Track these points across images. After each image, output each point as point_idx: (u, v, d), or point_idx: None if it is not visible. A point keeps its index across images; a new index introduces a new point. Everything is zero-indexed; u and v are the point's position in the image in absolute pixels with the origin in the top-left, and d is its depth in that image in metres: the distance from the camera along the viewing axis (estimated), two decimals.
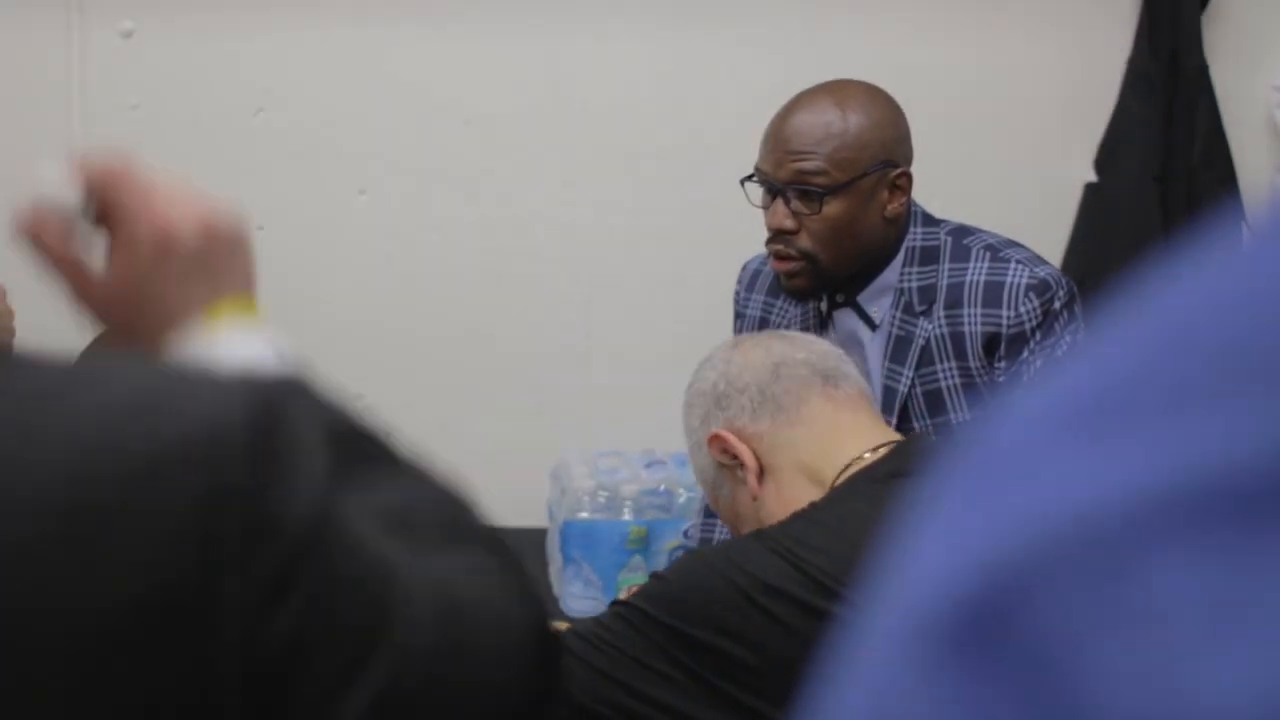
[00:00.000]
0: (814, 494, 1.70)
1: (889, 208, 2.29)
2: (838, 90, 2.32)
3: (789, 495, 1.71)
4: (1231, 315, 0.39)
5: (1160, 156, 3.26)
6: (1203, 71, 3.25)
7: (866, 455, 1.73)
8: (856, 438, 1.75)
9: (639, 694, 1.55)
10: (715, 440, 1.78)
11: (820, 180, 2.24)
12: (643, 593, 1.63)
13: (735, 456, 1.76)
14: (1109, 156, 3.30)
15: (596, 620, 1.65)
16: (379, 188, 3.26)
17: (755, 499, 1.76)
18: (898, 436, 1.82)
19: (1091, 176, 3.31)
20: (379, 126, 3.24)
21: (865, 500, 1.65)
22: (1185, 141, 3.25)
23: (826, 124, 2.26)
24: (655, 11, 3.24)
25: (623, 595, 2.35)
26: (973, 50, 3.28)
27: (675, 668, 1.54)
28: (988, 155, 3.29)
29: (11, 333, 1.92)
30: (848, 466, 1.71)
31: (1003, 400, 0.41)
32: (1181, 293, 0.42)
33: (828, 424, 1.76)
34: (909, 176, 2.32)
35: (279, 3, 3.19)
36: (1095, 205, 3.30)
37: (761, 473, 1.76)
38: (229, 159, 3.21)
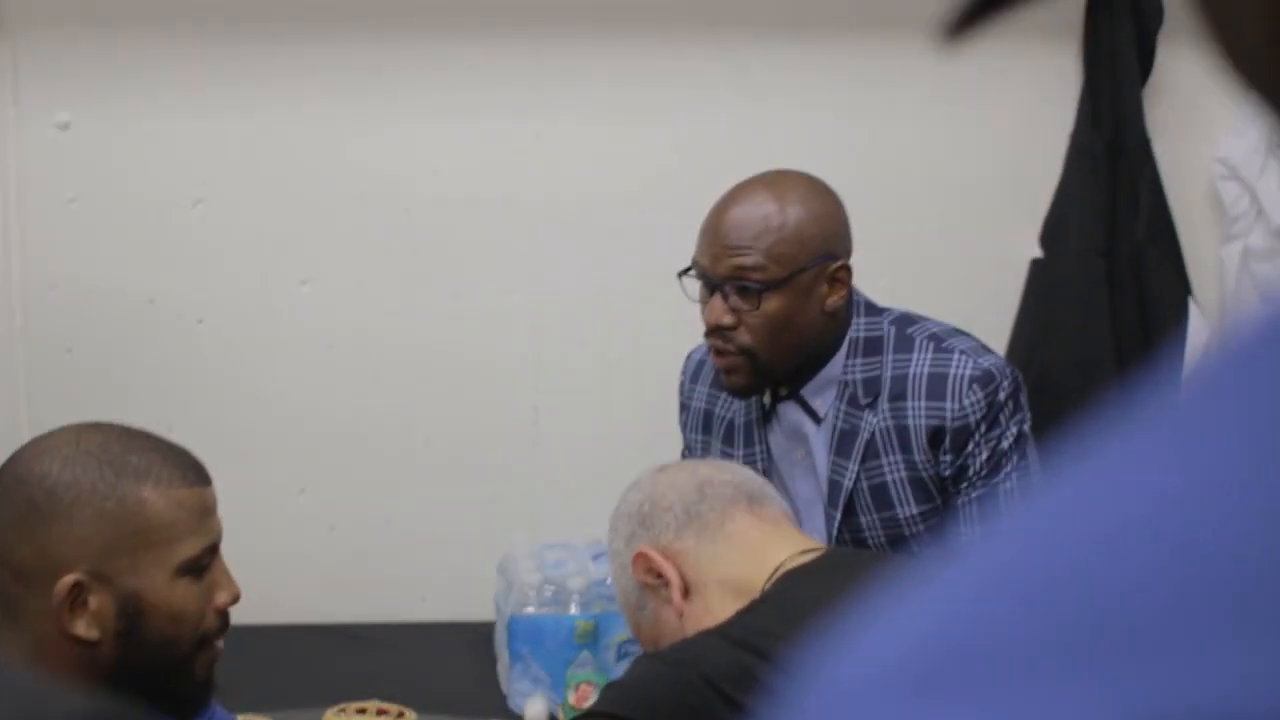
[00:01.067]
0: (741, 605, 1.67)
1: (828, 301, 2.26)
2: (776, 182, 2.29)
3: (715, 609, 1.69)
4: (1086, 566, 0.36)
5: (1105, 231, 3.24)
6: (1145, 146, 3.24)
7: (795, 559, 1.71)
8: (782, 546, 1.74)
9: None
10: (639, 559, 1.77)
11: (759, 276, 2.21)
12: (605, 700, 1.59)
13: (660, 575, 1.74)
14: (1054, 232, 3.29)
15: None
16: (321, 278, 3.21)
17: (680, 616, 1.73)
18: (823, 547, 1.81)
19: (1037, 252, 3.29)
20: (320, 216, 3.20)
21: (806, 589, 1.63)
22: (1130, 216, 3.24)
23: (764, 217, 2.23)
24: (600, 99, 3.21)
25: (571, 698, 2.31)
26: (915, 128, 3.27)
27: None
28: (932, 232, 3.27)
29: None
30: (776, 569, 1.69)
31: (839, 644, 0.39)
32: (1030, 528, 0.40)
33: (753, 538, 1.75)
34: (848, 269, 2.29)
35: (216, 91, 3.15)
36: (1041, 281, 3.28)
37: (687, 591, 1.74)
38: (168, 251, 3.17)
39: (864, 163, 3.05)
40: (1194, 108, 3.26)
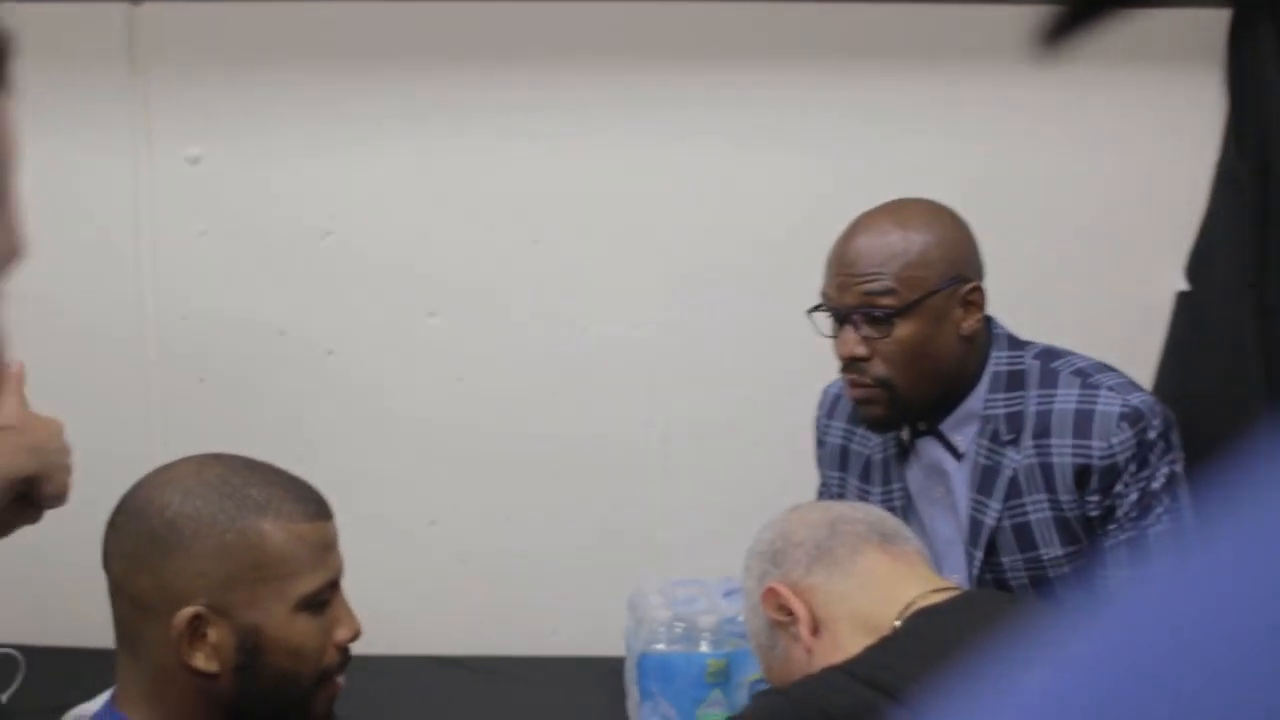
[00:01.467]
0: (870, 642, 1.63)
1: (964, 325, 2.20)
2: (898, 209, 2.24)
3: (845, 645, 1.65)
4: None
5: (1255, 261, 3.13)
6: None
7: (927, 598, 1.65)
8: (913, 584, 1.69)
9: None
10: (769, 595, 1.74)
11: (888, 301, 2.16)
12: None
13: (790, 612, 1.72)
14: (1200, 264, 3.17)
15: None
16: (449, 310, 3.20)
17: (809, 652, 1.70)
18: (957, 587, 1.75)
19: (1183, 285, 3.19)
20: (448, 247, 3.19)
21: (937, 628, 1.59)
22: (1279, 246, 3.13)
23: (889, 244, 2.18)
24: (742, 127, 3.16)
25: None
26: (1050, 159, 3.18)
27: None
28: (1072, 267, 3.18)
29: None
30: (907, 606, 1.64)
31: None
32: None
33: (883, 574, 1.71)
34: (981, 291, 2.23)
35: (344, 125, 3.15)
36: (1188, 315, 3.17)
37: (816, 628, 1.71)
38: (297, 283, 3.18)
39: (997, 196, 2.97)
40: None
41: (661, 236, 3.18)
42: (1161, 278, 3.19)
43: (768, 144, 3.17)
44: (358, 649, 1.63)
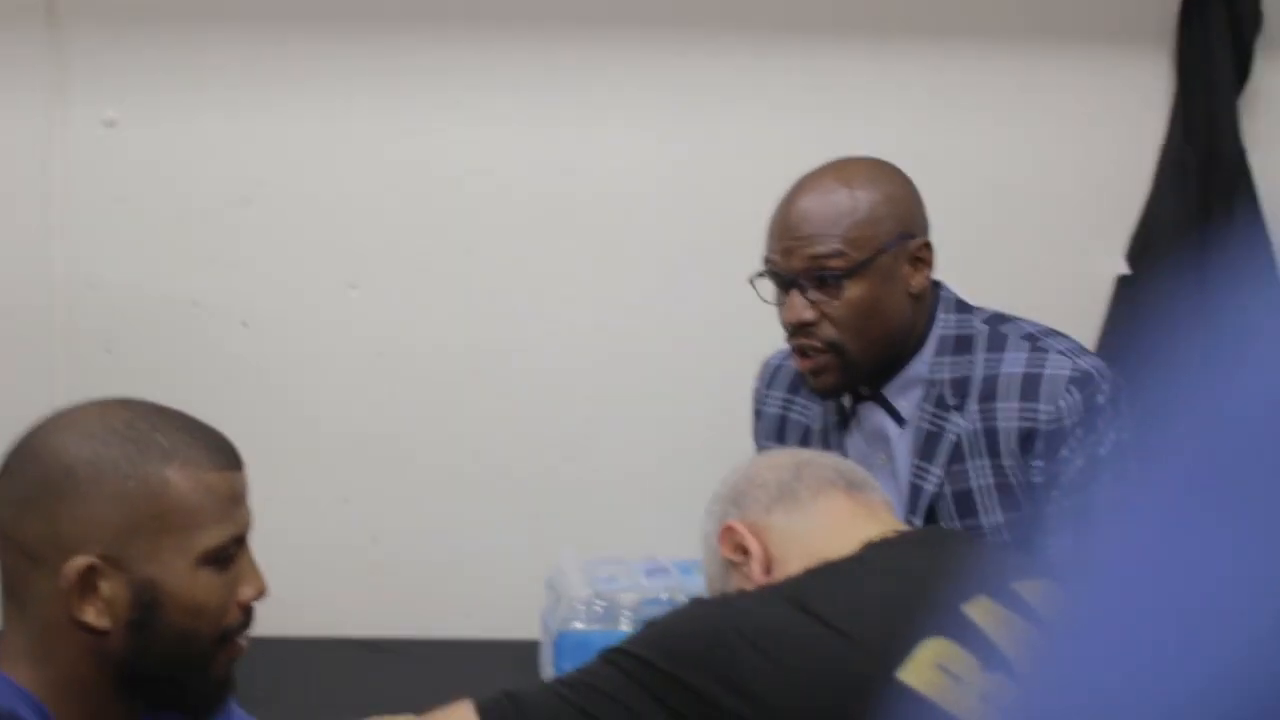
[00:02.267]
0: None
1: (913, 283, 2.12)
2: (841, 168, 2.16)
3: None
4: None
5: (1196, 247, 3.07)
6: (1240, 158, 3.08)
7: (884, 535, 1.57)
8: (873, 526, 1.62)
9: None
10: (726, 533, 1.69)
11: (837, 263, 2.07)
12: (635, 639, 1.47)
13: (745, 551, 1.67)
14: (1142, 248, 3.12)
15: (584, 670, 1.48)
16: (370, 282, 3.10)
17: None
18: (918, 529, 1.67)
19: (1124, 269, 3.12)
20: (370, 218, 3.08)
21: (882, 559, 1.53)
22: (1223, 231, 3.07)
23: (835, 203, 2.09)
24: (657, 102, 3.09)
25: None
26: (998, 139, 3.13)
27: (670, 718, 1.37)
28: (1015, 247, 3.12)
29: None
30: (864, 546, 1.57)
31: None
32: None
33: (844, 516, 1.65)
34: (929, 247, 2.15)
35: (267, 90, 3.05)
36: (1128, 299, 3.11)
37: (770, 567, 1.65)
38: (215, 251, 3.07)
39: (938, 175, 2.87)
40: None
41: (588, 208, 3.10)
42: (1102, 261, 3.13)
43: (694, 119, 3.09)
44: (261, 629, 1.52)
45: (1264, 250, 3.09)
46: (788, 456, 1.76)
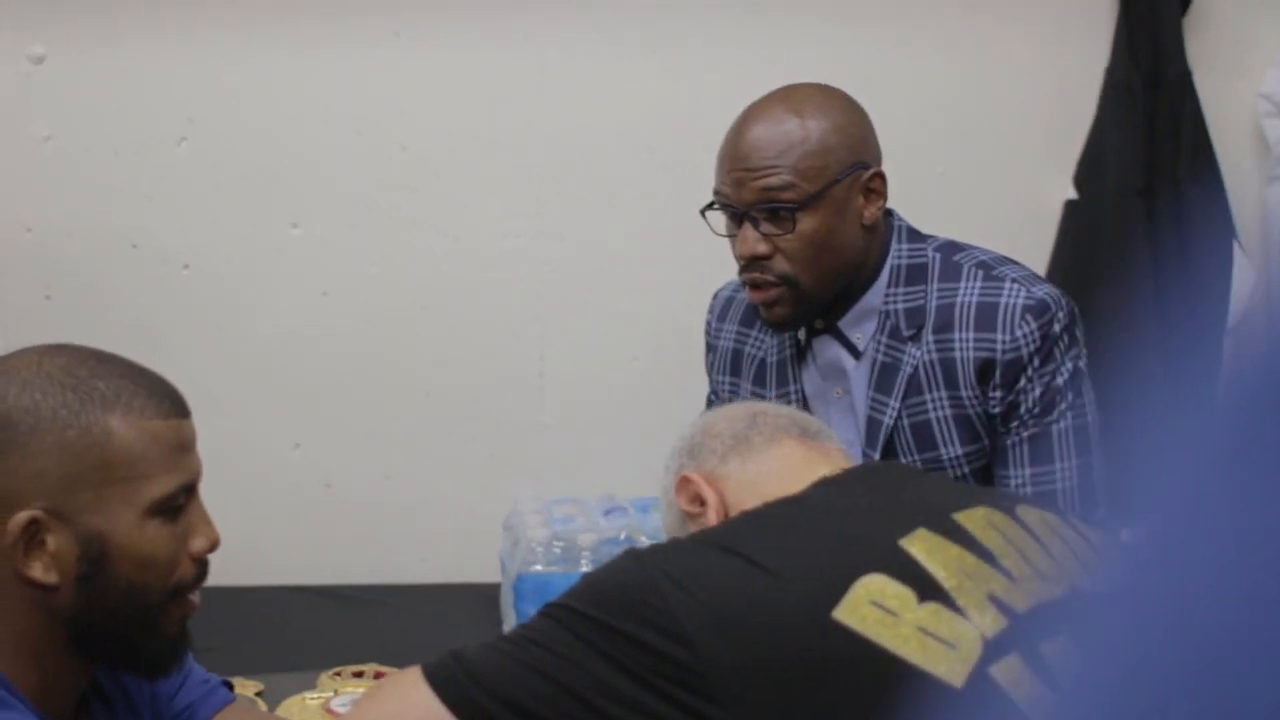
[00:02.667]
0: None
1: (866, 213, 2.09)
2: (791, 96, 2.11)
3: None
4: None
5: (1143, 170, 3.07)
6: (1185, 79, 3.07)
7: (831, 475, 1.58)
8: (824, 468, 1.61)
9: (579, 698, 1.37)
10: (683, 484, 1.67)
11: (789, 195, 2.04)
12: (570, 592, 1.46)
13: (702, 501, 1.65)
14: (1089, 171, 3.11)
15: (524, 626, 1.46)
16: (313, 221, 3.04)
17: None
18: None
19: (1071, 193, 3.12)
20: (312, 155, 3.03)
21: (825, 497, 1.52)
22: (1169, 153, 3.07)
23: (786, 133, 2.05)
24: (597, 28, 3.04)
25: None
26: (942, 62, 3.10)
27: (611, 667, 1.36)
28: (960, 173, 3.10)
29: None
30: (811, 485, 1.55)
31: None
32: None
33: (798, 461, 1.64)
34: (882, 177, 2.12)
35: (202, 25, 2.98)
36: (1076, 223, 3.11)
37: (728, 515, 1.63)
38: (151, 192, 3.01)
39: (881, 99, 2.85)
40: (1238, 40, 3.10)
41: (536, 142, 3.05)
42: (1050, 186, 3.12)
43: (640, 44, 3.05)
44: (215, 579, 1.48)
45: (1209, 172, 3.10)
46: (743, 408, 1.74)
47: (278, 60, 3.00)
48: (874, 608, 1.31)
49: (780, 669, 1.29)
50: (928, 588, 1.33)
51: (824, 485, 1.53)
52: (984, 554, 1.38)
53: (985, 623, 1.31)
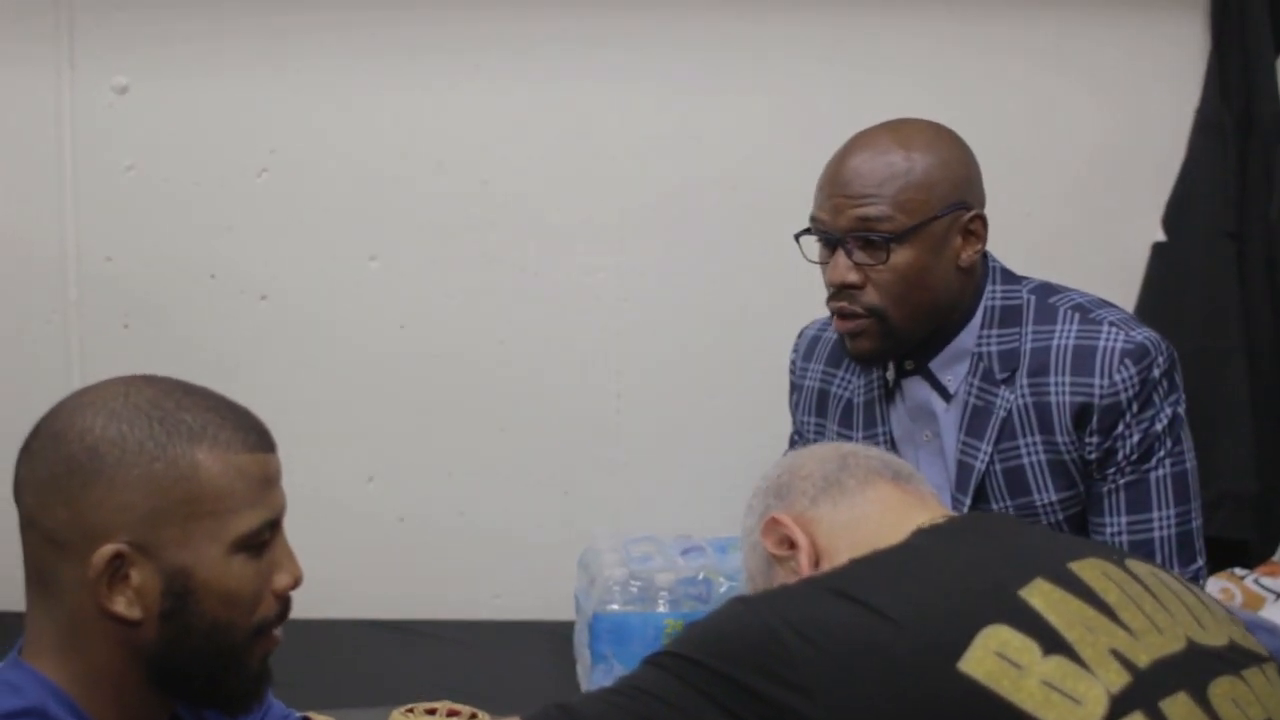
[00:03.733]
0: None
1: (963, 255, 2.05)
2: (899, 128, 2.08)
3: None
4: None
5: (1234, 211, 3.02)
6: (1278, 120, 3.01)
7: (933, 521, 1.53)
8: (922, 514, 1.56)
9: None
10: (771, 526, 1.62)
11: (886, 226, 2.00)
12: (680, 640, 1.40)
13: (792, 544, 1.60)
14: (1178, 213, 3.06)
15: (631, 676, 1.39)
16: (391, 253, 3.03)
17: None
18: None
19: (1160, 235, 3.06)
20: (391, 188, 3.02)
21: (929, 545, 1.46)
22: (1261, 195, 3.01)
23: (889, 164, 2.02)
24: (691, 70, 3.02)
25: None
26: (1029, 103, 3.06)
27: (726, 718, 1.31)
28: (1048, 215, 3.06)
29: None
30: (913, 534, 1.51)
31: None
32: None
33: (893, 504, 1.59)
34: (983, 220, 2.08)
35: (284, 58, 2.98)
36: (1164, 265, 3.05)
37: (818, 560, 1.58)
38: (230, 223, 3.01)
39: (968, 140, 2.84)
40: None
41: (616, 178, 3.03)
42: (1138, 228, 3.08)
43: (728, 83, 3.03)
44: (290, 612, 1.46)
45: None
46: (831, 449, 1.69)
47: (359, 93, 2.99)
48: (999, 659, 1.26)
49: (900, 719, 1.25)
50: (1051, 640, 1.28)
51: (932, 533, 1.49)
52: (1103, 607, 1.33)
53: (1110, 678, 1.26)
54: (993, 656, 1.26)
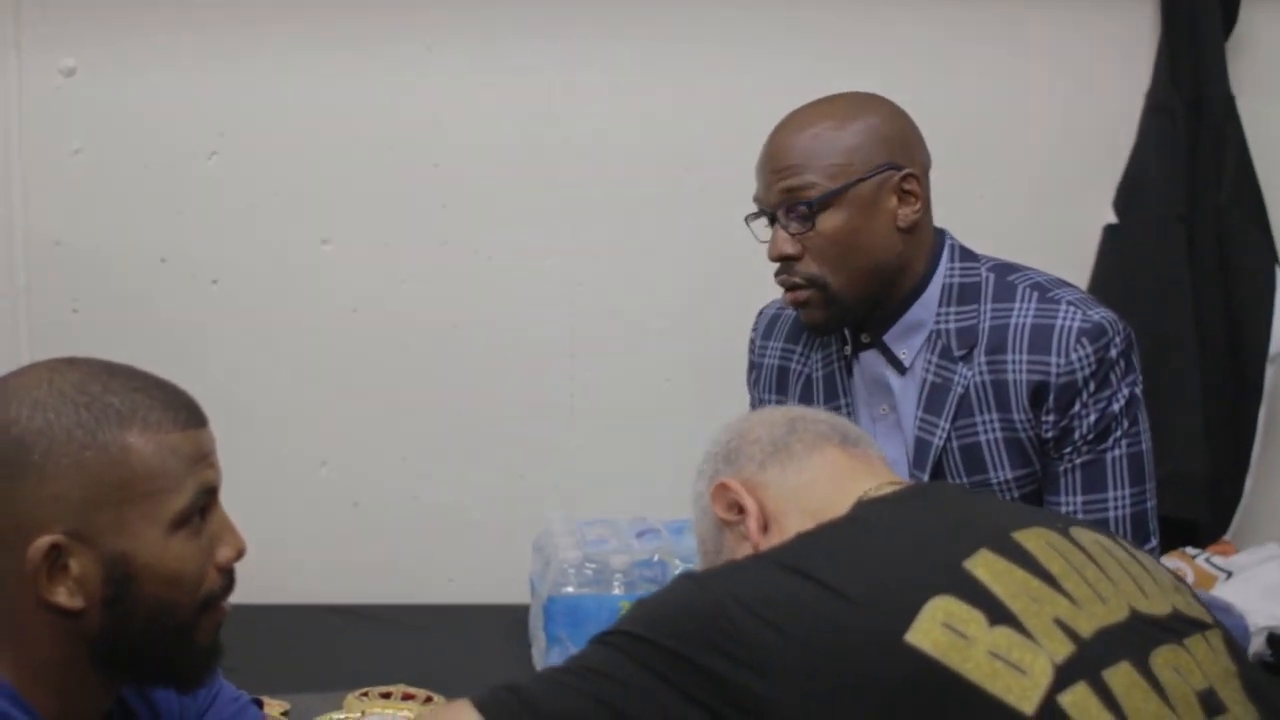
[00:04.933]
0: None
1: (900, 215, 2.06)
2: (828, 101, 2.11)
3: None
4: None
5: (1184, 195, 3.03)
6: (1229, 103, 3.04)
7: (879, 490, 1.53)
8: (869, 480, 1.56)
9: None
10: (720, 491, 1.61)
11: (809, 193, 2.03)
12: (630, 619, 1.37)
13: (740, 509, 1.59)
14: (1129, 196, 3.08)
15: (581, 656, 1.36)
16: (343, 237, 3.02)
17: (756, 550, 1.54)
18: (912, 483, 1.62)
19: (1111, 218, 3.08)
20: (342, 171, 3.00)
21: (876, 517, 1.46)
22: (1212, 178, 3.03)
23: (814, 135, 2.05)
24: (641, 50, 3.02)
25: None
26: (982, 85, 3.07)
27: (679, 697, 1.28)
28: (1000, 197, 3.07)
29: None
30: (859, 502, 1.52)
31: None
32: None
33: (841, 470, 1.58)
34: (917, 179, 2.08)
35: (233, 39, 2.95)
36: (1115, 248, 3.07)
37: (766, 525, 1.58)
38: (180, 206, 2.98)
39: (921, 122, 2.84)
40: None
41: (569, 161, 3.02)
42: (1090, 210, 3.09)
43: (679, 66, 3.03)
44: (240, 597, 1.44)
45: (1251, 197, 3.06)
46: (780, 413, 1.69)
47: (309, 75, 2.97)
48: (946, 630, 1.25)
49: (852, 694, 1.24)
50: (996, 611, 1.28)
51: (877, 504, 1.49)
52: (1046, 576, 1.33)
53: (1054, 648, 1.26)
54: (940, 628, 1.25)
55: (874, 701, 1.23)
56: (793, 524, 1.53)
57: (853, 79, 2.83)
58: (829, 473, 1.57)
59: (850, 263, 2.04)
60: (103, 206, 2.97)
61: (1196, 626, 1.37)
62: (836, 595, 1.28)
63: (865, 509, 1.48)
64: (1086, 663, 1.26)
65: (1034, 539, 1.37)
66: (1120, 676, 1.26)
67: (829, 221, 2.03)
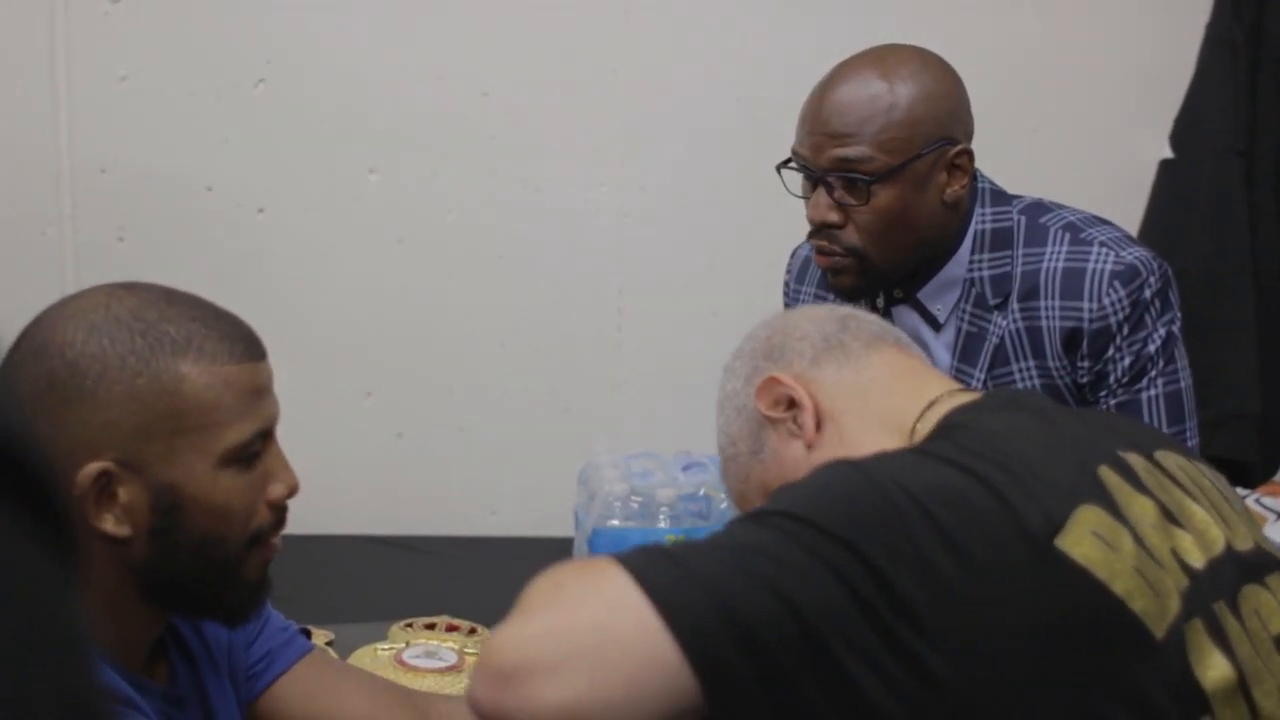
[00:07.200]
0: (891, 442, 1.34)
1: (948, 191, 1.98)
2: (882, 58, 1.99)
3: (857, 441, 1.37)
4: None
5: (1243, 130, 2.98)
6: None
7: (953, 397, 1.39)
8: (935, 383, 1.43)
9: (808, 625, 1.08)
10: (767, 386, 1.44)
11: (867, 167, 1.93)
12: (785, 499, 1.18)
13: (790, 404, 1.43)
14: (1186, 130, 3.02)
15: (730, 532, 1.15)
16: (390, 167, 3.00)
17: (810, 448, 1.41)
18: (979, 390, 1.51)
19: (1167, 153, 3.03)
20: (390, 100, 2.98)
21: (991, 420, 1.30)
22: (1272, 112, 2.97)
23: (871, 99, 1.94)
24: None
25: None
26: (1036, 17, 3.01)
27: (844, 594, 1.09)
28: (1054, 131, 3.02)
29: None
30: (931, 405, 1.37)
31: None
32: None
33: (901, 371, 1.44)
34: (969, 154, 2.00)
35: None
36: (1171, 184, 3.02)
37: (820, 423, 1.42)
38: (226, 135, 2.97)
39: (973, 57, 2.79)
40: None
41: (619, 90, 2.99)
42: (1146, 145, 3.03)
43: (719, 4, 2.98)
44: (286, 528, 1.43)
45: None
46: (827, 310, 1.54)
47: (358, 2, 2.95)
48: (1096, 539, 1.18)
49: (1005, 604, 1.11)
50: (1132, 529, 1.21)
51: (972, 410, 1.35)
52: (1159, 503, 1.26)
53: (1177, 578, 1.20)
54: (1090, 536, 1.17)
55: (1024, 609, 1.13)
56: (851, 421, 1.41)
57: (904, 14, 2.81)
58: (889, 372, 1.44)
59: (894, 238, 1.97)
60: (149, 134, 2.96)
61: (1276, 564, 1.32)
62: (993, 493, 1.16)
63: (964, 415, 1.35)
64: (1201, 596, 1.20)
65: (1137, 464, 1.30)
66: (1224, 614, 1.22)
67: (882, 198, 1.95)
